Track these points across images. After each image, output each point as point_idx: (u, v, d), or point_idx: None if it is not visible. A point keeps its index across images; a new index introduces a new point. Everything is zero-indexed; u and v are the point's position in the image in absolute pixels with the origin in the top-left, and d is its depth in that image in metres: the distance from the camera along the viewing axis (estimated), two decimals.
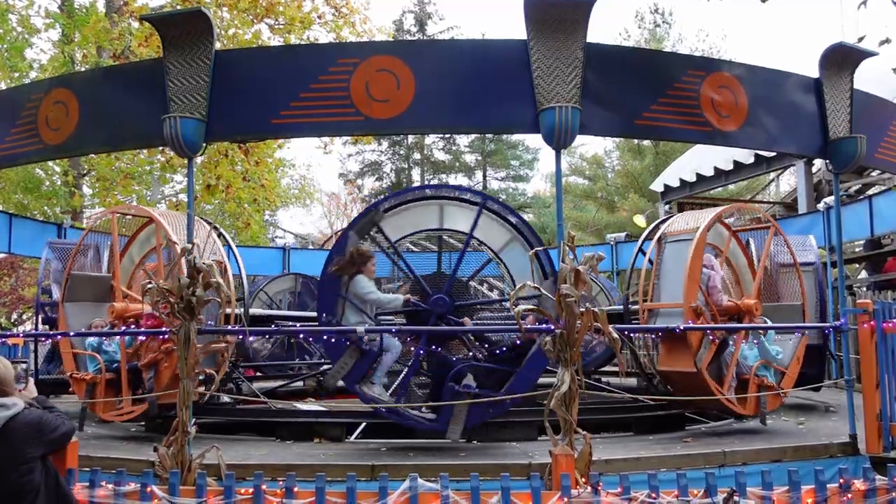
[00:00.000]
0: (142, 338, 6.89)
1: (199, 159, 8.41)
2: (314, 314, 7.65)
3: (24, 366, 3.94)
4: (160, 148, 13.56)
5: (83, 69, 16.44)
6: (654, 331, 7.35)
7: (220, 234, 8.19)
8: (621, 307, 8.70)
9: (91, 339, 7.20)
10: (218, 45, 5.78)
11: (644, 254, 8.35)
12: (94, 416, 7.38)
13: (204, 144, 5.80)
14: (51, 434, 3.60)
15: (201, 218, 8.16)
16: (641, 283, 7.89)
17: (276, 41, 16.10)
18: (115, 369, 7.13)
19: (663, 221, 8.35)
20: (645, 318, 7.62)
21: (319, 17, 16.49)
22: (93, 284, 7.76)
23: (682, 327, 6.58)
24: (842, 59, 6.43)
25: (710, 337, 6.94)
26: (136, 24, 15.29)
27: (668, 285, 7.46)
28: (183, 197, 18.64)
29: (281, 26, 16.33)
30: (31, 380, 4.00)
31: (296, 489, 4.63)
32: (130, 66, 10.21)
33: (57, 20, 17.82)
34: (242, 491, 4.64)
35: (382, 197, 7.28)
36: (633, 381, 9.33)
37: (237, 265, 8.50)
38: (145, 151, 16.04)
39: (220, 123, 5.70)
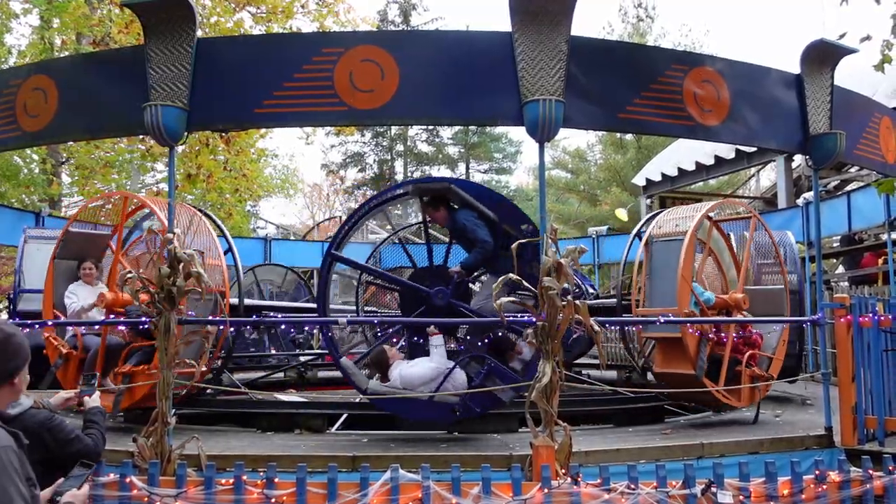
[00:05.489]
0: None
1: (179, 148, 8.29)
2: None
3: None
4: (140, 136, 13.43)
5: (63, 55, 16.21)
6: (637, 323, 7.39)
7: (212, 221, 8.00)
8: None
9: None
10: (200, 34, 5.70)
11: (640, 238, 8.07)
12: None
13: (185, 133, 5.72)
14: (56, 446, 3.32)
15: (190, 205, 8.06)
16: (634, 277, 7.76)
17: (258, 30, 15.93)
18: None
19: (654, 217, 8.31)
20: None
21: (302, 7, 16.34)
22: None
23: (662, 320, 6.61)
24: (823, 55, 6.45)
25: (707, 337, 6.95)
26: (116, 11, 15.08)
27: (659, 288, 7.30)
28: (163, 186, 18.45)
29: (263, 15, 16.16)
30: (97, 394, 3.89)
31: (277, 480, 4.62)
32: (111, 53, 10.05)
33: (36, 5, 17.46)
34: (223, 482, 4.63)
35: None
36: (612, 374, 9.38)
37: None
38: (125, 140, 15.84)
39: (201, 112, 5.62)
